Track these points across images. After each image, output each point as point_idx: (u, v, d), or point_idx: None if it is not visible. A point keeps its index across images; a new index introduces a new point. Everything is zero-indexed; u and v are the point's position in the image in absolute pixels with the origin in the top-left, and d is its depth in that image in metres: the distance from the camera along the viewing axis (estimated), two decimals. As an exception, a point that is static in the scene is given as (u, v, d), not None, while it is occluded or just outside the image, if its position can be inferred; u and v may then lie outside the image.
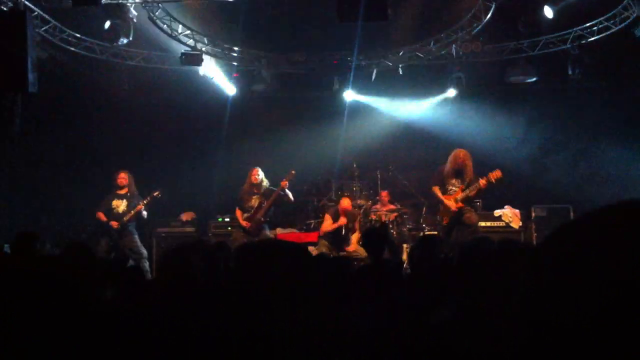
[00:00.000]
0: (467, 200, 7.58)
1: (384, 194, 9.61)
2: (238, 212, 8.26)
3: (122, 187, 8.07)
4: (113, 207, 7.99)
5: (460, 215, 7.49)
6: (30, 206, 8.35)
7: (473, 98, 10.21)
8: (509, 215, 9.11)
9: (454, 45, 9.04)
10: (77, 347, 1.78)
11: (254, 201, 8.23)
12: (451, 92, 10.02)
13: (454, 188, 7.61)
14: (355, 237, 8.13)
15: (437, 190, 7.72)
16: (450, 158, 7.69)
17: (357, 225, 8.26)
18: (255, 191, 8.24)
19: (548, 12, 8.09)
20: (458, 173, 7.59)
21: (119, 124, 9.45)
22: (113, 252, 7.68)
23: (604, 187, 8.53)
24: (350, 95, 10.45)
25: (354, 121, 10.89)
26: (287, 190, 8.14)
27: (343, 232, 7.92)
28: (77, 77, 8.96)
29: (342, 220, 7.90)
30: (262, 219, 8.14)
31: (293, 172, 8.23)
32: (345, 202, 8.07)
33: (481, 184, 7.38)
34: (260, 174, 8.25)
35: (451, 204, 7.49)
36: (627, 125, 8.84)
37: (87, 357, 1.78)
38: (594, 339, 0.71)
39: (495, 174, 7.36)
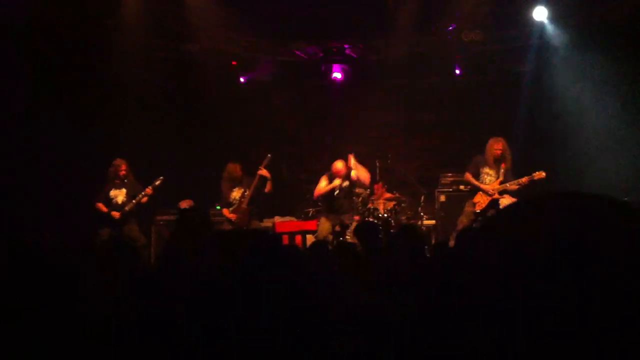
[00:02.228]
0: (503, 192, 7.62)
1: (377, 186, 9.60)
2: (225, 211, 8.27)
3: (121, 177, 8.04)
4: (112, 197, 7.97)
5: (495, 204, 7.50)
6: (26, 194, 8.33)
7: (472, 86, 10.21)
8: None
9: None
10: (75, 338, 1.80)
11: (236, 193, 8.24)
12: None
13: (489, 177, 7.61)
14: (363, 174, 8.09)
15: (470, 178, 7.73)
16: (488, 146, 7.66)
17: (355, 178, 8.10)
18: (235, 183, 8.25)
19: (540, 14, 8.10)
20: (495, 162, 7.58)
21: (118, 110, 9.43)
22: (113, 242, 7.69)
23: (600, 178, 8.52)
24: (350, 84, 10.44)
25: (353, 109, 10.89)
26: (265, 175, 8.11)
27: (336, 193, 7.89)
28: (74, 61, 8.92)
29: (337, 182, 7.85)
30: (248, 208, 8.15)
31: (269, 155, 8.21)
32: (339, 165, 7.96)
33: (525, 181, 7.41)
34: (236, 167, 8.28)
35: (490, 191, 7.50)
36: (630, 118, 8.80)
37: (84, 349, 1.80)
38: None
39: (539, 174, 7.40)
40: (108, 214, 7.86)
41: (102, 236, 7.69)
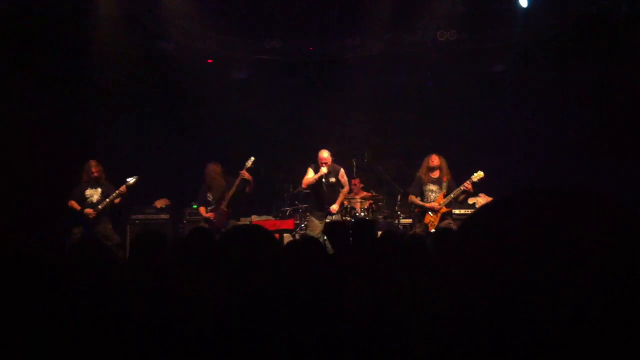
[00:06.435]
0: (451, 204, 7.59)
1: (355, 181, 9.63)
2: (201, 209, 8.25)
3: (93, 178, 7.94)
4: (87, 196, 7.88)
5: (443, 223, 7.43)
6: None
7: (449, 86, 10.28)
8: (483, 203, 9.21)
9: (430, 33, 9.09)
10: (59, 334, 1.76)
11: (215, 193, 8.22)
12: None
13: (433, 194, 7.58)
14: (342, 194, 8.10)
15: (414, 199, 7.69)
16: (425, 164, 7.68)
17: (343, 180, 8.12)
18: (215, 184, 8.22)
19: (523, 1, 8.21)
20: (436, 177, 7.59)
21: (93, 109, 9.29)
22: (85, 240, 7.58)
23: (576, 176, 8.65)
24: (326, 83, 10.44)
25: (330, 108, 10.88)
26: (247, 179, 8.07)
27: (324, 187, 7.89)
28: (49, 60, 8.76)
29: (322, 171, 7.82)
30: (227, 209, 8.12)
31: (252, 158, 8.17)
32: (324, 153, 7.93)
33: (466, 187, 7.38)
34: (218, 167, 8.25)
35: (436, 206, 7.49)
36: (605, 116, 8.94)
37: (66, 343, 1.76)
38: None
39: (478, 176, 7.39)
40: (81, 212, 7.76)
41: (74, 235, 7.61)
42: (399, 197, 9.42)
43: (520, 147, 9.77)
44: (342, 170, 8.15)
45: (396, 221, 9.29)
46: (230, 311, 1.41)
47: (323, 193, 7.90)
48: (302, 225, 9.15)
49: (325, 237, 7.86)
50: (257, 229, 2.07)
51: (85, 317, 1.82)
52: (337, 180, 8.03)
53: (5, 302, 1.61)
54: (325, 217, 7.91)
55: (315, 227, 7.95)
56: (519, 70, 9.47)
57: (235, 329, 1.37)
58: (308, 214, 8.36)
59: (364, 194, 9.55)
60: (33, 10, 8.13)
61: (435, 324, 0.86)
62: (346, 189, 8.17)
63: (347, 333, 1.44)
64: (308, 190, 8.24)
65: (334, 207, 7.93)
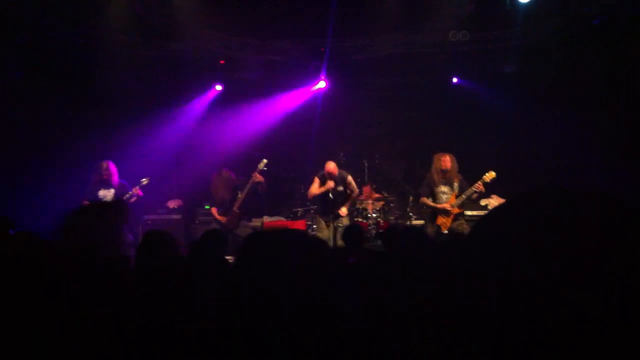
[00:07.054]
0: (463, 204, 7.54)
1: (366, 189, 9.59)
2: (213, 210, 8.32)
3: (105, 179, 8.01)
4: (101, 197, 7.93)
5: (455, 223, 7.44)
6: (5, 192, 8.25)
7: (460, 86, 10.24)
8: (495, 204, 9.13)
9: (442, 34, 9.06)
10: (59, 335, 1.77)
11: (227, 195, 8.28)
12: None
13: (445, 196, 7.54)
14: (351, 198, 8.12)
15: (426, 200, 7.66)
16: (435, 164, 7.63)
17: (351, 187, 8.12)
18: (227, 185, 8.29)
19: None
20: (447, 178, 7.55)
21: (102, 109, 9.35)
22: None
23: (587, 178, 8.57)
24: (336, 83, 10.43)
25: (340, 109, 10.87)
26: (259, 180, 8.13)
27: (330, 195, 7.90)
28: (59, 61, 8.83)
29: (329, 184, 7.86)
30: (239, 212, 8.19)
31: (265, 160, 8.22)
32: (331, 166, 7.94)
33: (478, 187, 7.32)
34: (230, 173, 8.33)
35: (448, 207, 7.45)
36: (615, 118, 8.85)
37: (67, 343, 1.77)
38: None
39: (490, 175, 7.34)
40: (95, 214, 7.82)
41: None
42: (410, 198, 9.39)
43: (530, 147, 9.70)
44: (349, 177, 8.14)
45: (408, 222, 9.26)
46: (231, 311, 1.41)
47: (329, 200, 7.93)
48: (314, 226, 9.15)
49: (331, 239, 7.91)
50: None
51: (87, 317, 1.83)
52: (345, 187, 8.04)
53: (5, 302, 1.62)
54: (333, 220, 7.93)
55: (323, 228, 7.98)
56: (529, 70, 9.42)
57: (235, 329, 1.37)
58: (317, 216, 8.39)
59: (376, 195, 9.54)
60: (43, 10, 8.20)
61: (436, 324, 0.86)
62: (355, 193, 8.17)
63: (347, 333, 1.44)
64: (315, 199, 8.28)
65: (343, 210, 7.93)
